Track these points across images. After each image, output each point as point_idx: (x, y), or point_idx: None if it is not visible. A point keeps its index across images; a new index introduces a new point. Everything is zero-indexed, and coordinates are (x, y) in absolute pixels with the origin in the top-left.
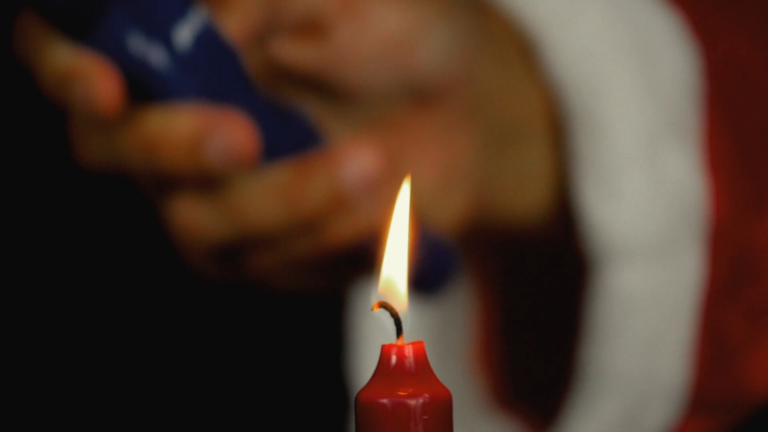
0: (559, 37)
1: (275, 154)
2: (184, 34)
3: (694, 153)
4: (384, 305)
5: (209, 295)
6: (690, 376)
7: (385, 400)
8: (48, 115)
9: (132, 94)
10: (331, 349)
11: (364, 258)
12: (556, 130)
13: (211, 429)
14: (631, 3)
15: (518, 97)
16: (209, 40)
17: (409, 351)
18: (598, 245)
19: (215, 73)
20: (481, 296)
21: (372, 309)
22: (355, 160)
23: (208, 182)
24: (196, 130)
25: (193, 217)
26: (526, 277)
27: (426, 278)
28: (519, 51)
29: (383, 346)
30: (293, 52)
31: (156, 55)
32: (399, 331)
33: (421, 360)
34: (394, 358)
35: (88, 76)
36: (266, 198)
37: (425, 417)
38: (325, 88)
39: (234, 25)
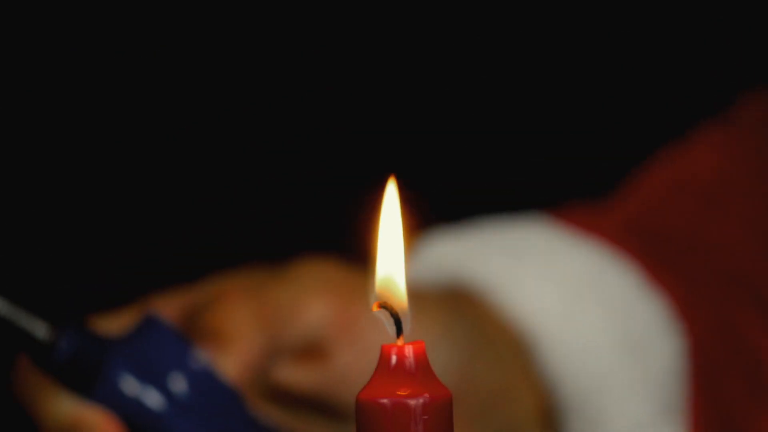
0: (555, 334)
1: None
2: (183, 381)
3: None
4: (384, 305)
5: None
6: None
7: (385, 400)
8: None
9: None
10: None
11: None
12: (551, 422)
13: None
14: (621, 294)
15: (516, 397)
16: (208, 384)
17: (409, 351)
18: None
19: (216, 415)
20: None
21: (372, 309)
22: None
23: None
24: None
25: None
26: None
27: None
28: (515, 349)
29: (383, 346)
30: (294, 375)
31: (155, 403)
32: (399, 331)
33: (421, 360)
34: (394, 358)
35: (92, 428)
36: None
37: (425, 417)
38: (326, 408)
39: (234, 365)
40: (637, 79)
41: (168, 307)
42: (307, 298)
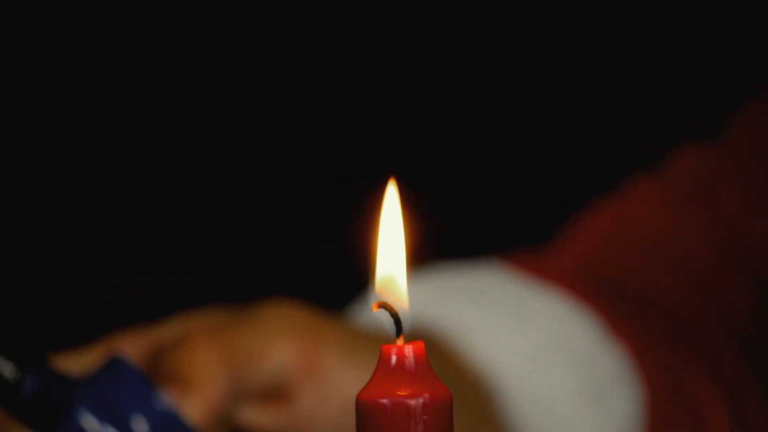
0: (518, 382)
1: None
2: (145, 423)
3: None
4: (383, 305)
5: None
6: None
7: (385, 400)
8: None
9: None
10: None
11: None
12: None
13: None
14: (583, 344)
15: None
16: (171, 427)
17: (409, 351)
18: None
19: None
20: None
21: (371, 309)
22: None
23: None
24: None
25: None
26: None
27: None
28: (477, 395)
29: (383, 347)
30: (258, 418)
31: None
32: (399, 331)
33: (421, 360)
34: (394, 358)
35: None
36: None
37: (425, 417)
38: None
39: (197, 408)
40: (637, 79)
41: (133, 347)
42: (272, 342)
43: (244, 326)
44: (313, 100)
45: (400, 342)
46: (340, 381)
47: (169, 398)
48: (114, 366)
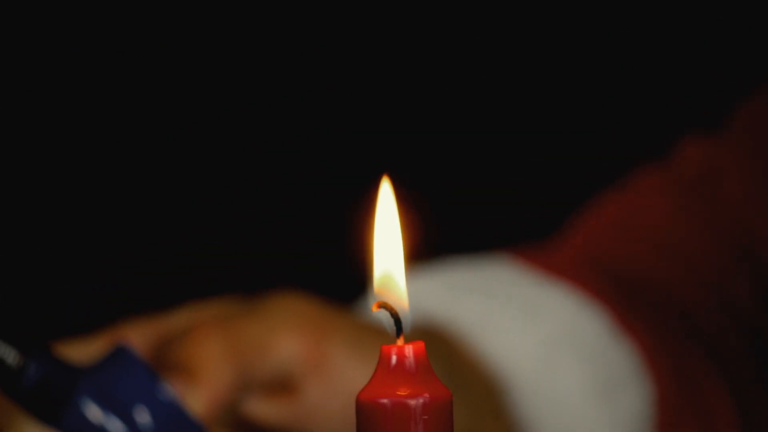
0: (529, 378)
1: None
2: (149, 414)
3: None
4: (383, 305)
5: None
6: None
7: (385, 400)
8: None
9: None
10: None
11: None
12: None
13: None
14: (593, 339)
15: None
16: (174, 418)
17: (409, 351)
18: None
19: None
20: None
21: (371, 310)
22: None
23: None
24: None
25: None
26: None
27: None
28: (488, 392)
29: (383, 347)
30: (263, 409)
31: None
32: (399, 331)
33: (421, 360)
34: (394, 358)
35: None
36: None
37: (425, 417)
38: None
39: (202, 400)
40: (638, 74)
41: (139, 336)
42: (279, 334)
43: (251, 318)
44: (313, 99)
45: (400, 342)
46: (347, 374)
47: (173, 389)
48: (118, 355)
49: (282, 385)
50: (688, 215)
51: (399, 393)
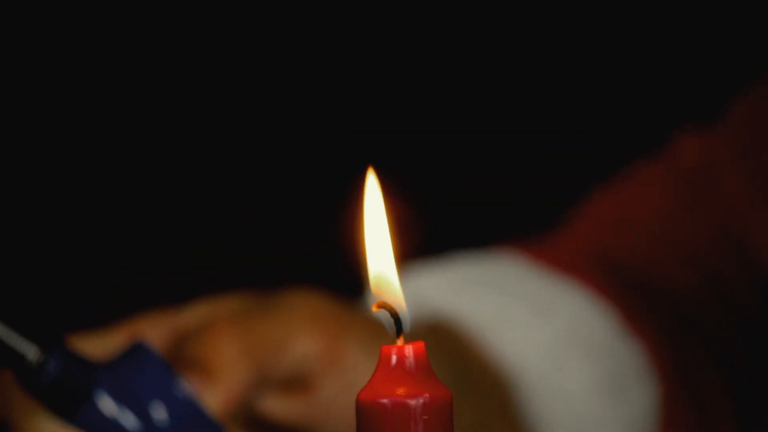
0: (539, 375)
1: None
2: (165, 411)
3: None
4: (383, 305)
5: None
6: None
7: (385, 400)
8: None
9: None
10: None
11: None
12: None
13: None
14: (602, 338)
15: None
16: (190, 415)
17: (409, 351)
18: None
19: None
20: None
21: (372, 310)
22: None
23: None
24: None
25: None
26: None
27: None
28: (496, 388)
29: (383, 347)
30: (278, 406)
31: (136, 431)
32: (399, 331)
33: (421, 360)
34: (394, 358)
35: None
36: None
37: (425, 417)
38: None
39: (218, 399)
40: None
41: (155, 331)
42: (295, 332)
43: (268, 315)
44: (311, 99)
45: (400, 342)
46: (362, 372)
47: (189, 386)
48: (136, 351)
49: (297, 383)
50: (685, 207)
51: (399, 393)
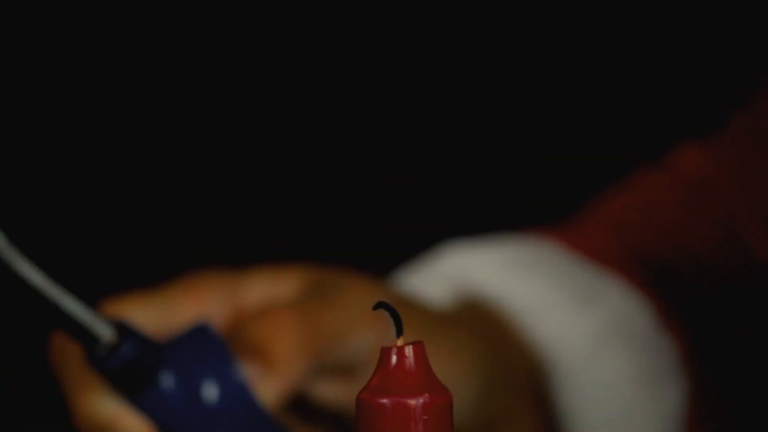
0: (577, 365)
1: None
2: (215, 392)
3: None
4: (384, 305)
5: None
6: None
7: (385, 400)
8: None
9: None
10: None
11: None
12: None
13: None
14: (640, 331)
15: (517, 422)
16: (239, 399)
17: (409, 351)
18: None
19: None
20: None
21: (372, 308)
22: None
23: None
24: None
25: None
26: None
27: None
28: (532, 375)
29: (383, 348)
30: (329, 391)
31: (191, 411)
32: (399, 331)
33: (421, 360)
34: (394, 358)
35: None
36: None
37: (425, 417)
38: (353, 427)
39: (273, 389)
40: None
41: (215, 303)
42: (357, 325)
43: (329, 304)
44: (316, 100)
45: (400, 342)
46: None
47: (245, 372)
48: (200, 334)
49: (350, 370)
50: (690, 213)
51: (399, 393)
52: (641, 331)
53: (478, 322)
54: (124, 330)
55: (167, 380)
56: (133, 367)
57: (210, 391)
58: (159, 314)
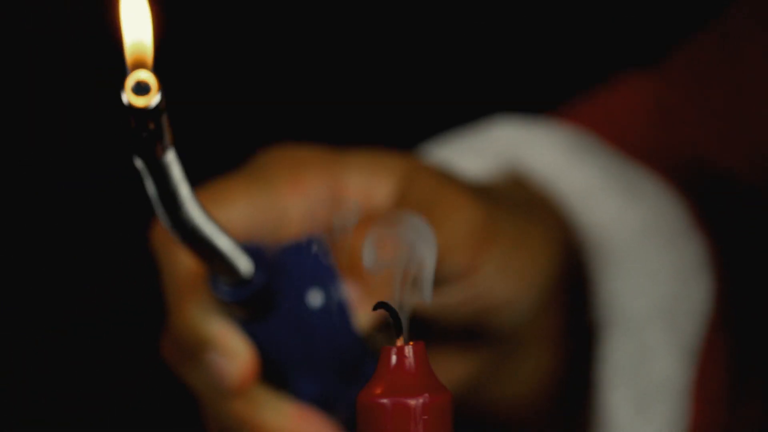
0: (622, 261)
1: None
2: (319, 299)
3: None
4: (384, 305)
5: None
6: None
7: (385, 400)
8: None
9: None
10: None
11: None
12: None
13: None
14: (677, 230)
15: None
16: (338, 314)
17: (409, 351)
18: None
19: (337, 351)
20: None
21: (372, 308)
22: None
23: None
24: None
25: None
26: None
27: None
28: (577, 257)
29: (383, 347)
30: (439, 299)
31: (294, 340)
32: (399, 331)
33: (421, 360)
34: (394, 358)
35: (230, 354)
36: None
37: (425, 417)
38: (475, 332)
39: (370, 314)
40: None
41: (315, 183)
42: (460, 246)
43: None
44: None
45: (400, 342)
46: (516, 247)
47: (346, 290)
48: (312, 250)
49: (454, 273)
50: (658, 131)
51: (399, 393)
52: (677, 229)
53: (535, 206)
54: (258, 260)
55: (285, 311)
56: (259, 295)
57: (316, 298)
58: (264, 208)
